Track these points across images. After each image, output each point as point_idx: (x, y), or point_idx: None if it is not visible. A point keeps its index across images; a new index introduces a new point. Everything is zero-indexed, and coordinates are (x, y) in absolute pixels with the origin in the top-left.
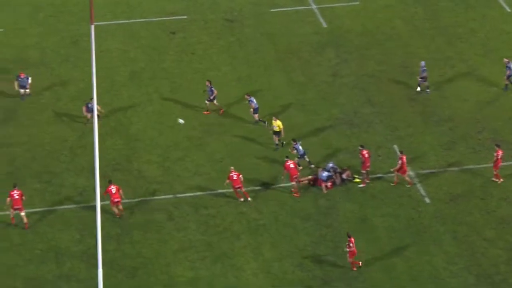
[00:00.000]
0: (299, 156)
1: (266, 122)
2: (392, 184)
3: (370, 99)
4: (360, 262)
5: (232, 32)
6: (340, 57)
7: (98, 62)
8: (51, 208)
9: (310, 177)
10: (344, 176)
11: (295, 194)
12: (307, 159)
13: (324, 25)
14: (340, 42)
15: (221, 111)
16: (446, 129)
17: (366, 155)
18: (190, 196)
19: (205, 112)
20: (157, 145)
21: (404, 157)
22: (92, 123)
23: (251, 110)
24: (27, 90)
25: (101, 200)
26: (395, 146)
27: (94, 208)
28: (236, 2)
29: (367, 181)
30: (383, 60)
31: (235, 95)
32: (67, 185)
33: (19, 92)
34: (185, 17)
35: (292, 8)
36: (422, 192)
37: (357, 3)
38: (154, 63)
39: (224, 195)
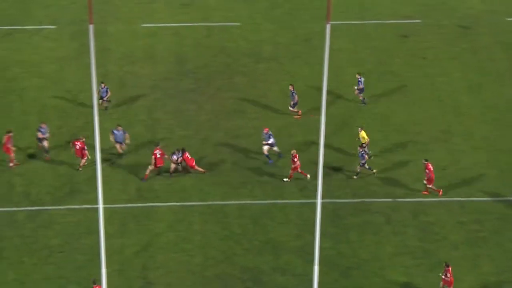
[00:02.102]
0: (360, 164)
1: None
2: None
3: None
4: None
5: (466, 39)
6: None
7: (328, 61)
8: (273, 201)
9: None
10: None
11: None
12: (366, 166)
13: None
14: None
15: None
16: None
17: None
18: (410, 201)
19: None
20: (381, 148)
21: None
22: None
23: (357, 90)
24: (275, 148)
25: (322, 198)
26: None
27: (314, 205)
28: (473, 9)
29: None
30: None
31: (466, 103)
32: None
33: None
34: (419, 21)
35: None
36: None
37: None
38: (382, 65)
39: (444, 203)
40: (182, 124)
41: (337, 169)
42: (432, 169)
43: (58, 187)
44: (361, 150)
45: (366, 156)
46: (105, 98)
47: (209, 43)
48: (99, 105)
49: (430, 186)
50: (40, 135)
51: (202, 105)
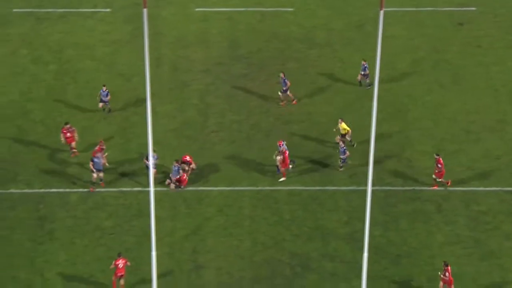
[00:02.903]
0: (342, 160)
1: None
2: None
3: None
4: None
5: None
6: None
7: (381, 48)
8: (322, 188)
9: None
10: None
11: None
12: (348, 162)
13: None
14: None
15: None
16: None
17: None
18: (461, 190)
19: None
20: (432, 136)
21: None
22: None
23: (363, 75)
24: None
25: (372, 186)
26: None
27: (364, 192)
28: None
29: None
30: None
31: None
32: (338, 167)
33: None
34: (474, 9)
35: None
36: None
37: None
38: (437, 53)
39: (496, 193)
40: (234, 108)
41: (388, 157)
42: (443, 163)
43: (110, 169)
44: (343, 146)
45: (347, 152)
46: (106, 101)
47: (262, 28)
48: (101, 108)
49: (441, 179)
50: (91, 165)
51: (254, 90)
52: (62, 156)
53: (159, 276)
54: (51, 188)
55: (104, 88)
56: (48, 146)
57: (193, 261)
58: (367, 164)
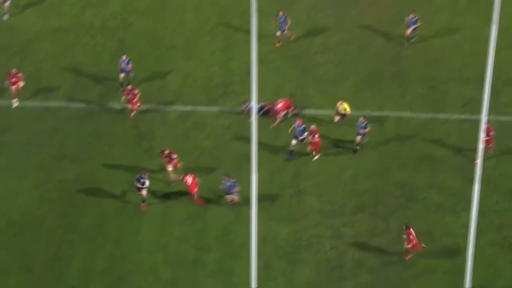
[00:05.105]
0: (362, 135)
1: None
2: None
3: None
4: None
5: None
6: None
7: None
8: (433, 115)
9: None
10: None
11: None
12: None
13: None
14: None
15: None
16: None
17: None
18: None
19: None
20: None
21: None
22: None
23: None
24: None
25: (487, 115)
26: None
27: (477, 121)
28: None
29: None
30: None
31: None
32: (452, 94)
33: None
34: None
35: None
36: None
37: None
38: None
39: None
40: (341, 28)
41: (506, 85)
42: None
43: (211, 88)
44: (363, 120)
45: (368, 126)
46: (128, 71)
47: None
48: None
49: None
50: (138, 184)
51: (365, 10)
52: (163, 71)
53: (259, 200)
54: (150, 104)
55: (124, 57)
56: (149, 61)
57: (294, 186)
58: (482, 92)
